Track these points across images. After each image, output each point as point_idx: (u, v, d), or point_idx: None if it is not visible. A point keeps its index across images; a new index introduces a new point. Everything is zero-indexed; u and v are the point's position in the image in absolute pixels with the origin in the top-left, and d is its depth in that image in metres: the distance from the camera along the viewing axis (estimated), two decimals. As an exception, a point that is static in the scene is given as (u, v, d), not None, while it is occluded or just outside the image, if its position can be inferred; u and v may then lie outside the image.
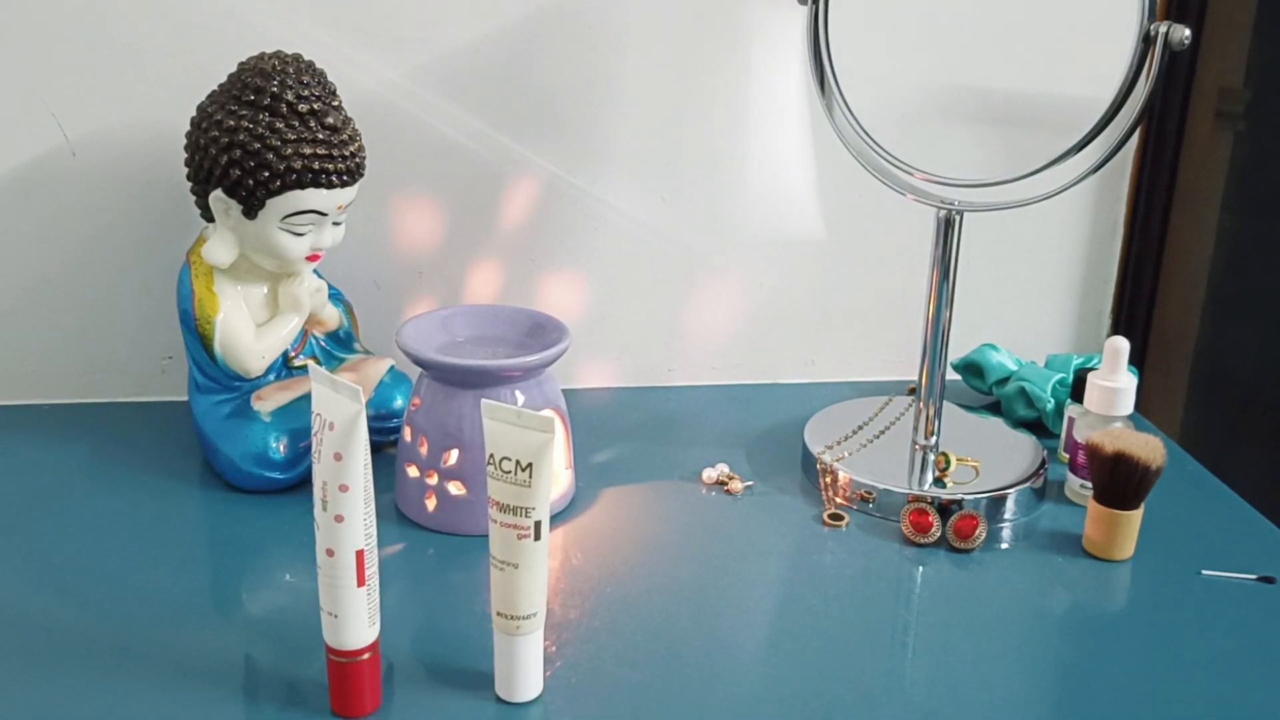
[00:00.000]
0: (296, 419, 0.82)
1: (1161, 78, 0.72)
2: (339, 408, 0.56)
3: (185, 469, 0.85)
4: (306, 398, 0.81)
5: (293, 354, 0.86)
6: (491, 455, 0.59)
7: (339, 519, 0.57)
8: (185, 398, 0.89)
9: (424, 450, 0.77)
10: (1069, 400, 0.89)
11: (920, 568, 0.77)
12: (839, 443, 0.88)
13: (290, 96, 0.76)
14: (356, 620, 0.59)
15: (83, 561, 0.73)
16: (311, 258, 0.81)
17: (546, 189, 0.97)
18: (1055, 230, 1.05)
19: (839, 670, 0.65)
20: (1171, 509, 0.82)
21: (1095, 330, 1.09)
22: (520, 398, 0.77)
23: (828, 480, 0.84)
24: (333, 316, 0.88)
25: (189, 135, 0.79)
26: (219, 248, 0.79)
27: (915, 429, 0.86)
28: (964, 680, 0.65)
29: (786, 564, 0.76)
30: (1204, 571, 0.76)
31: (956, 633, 0.69)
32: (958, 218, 0.81)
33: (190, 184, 0.80)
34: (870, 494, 0.82)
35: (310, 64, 0.79)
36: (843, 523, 0.81)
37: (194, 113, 0.79)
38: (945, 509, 0.79)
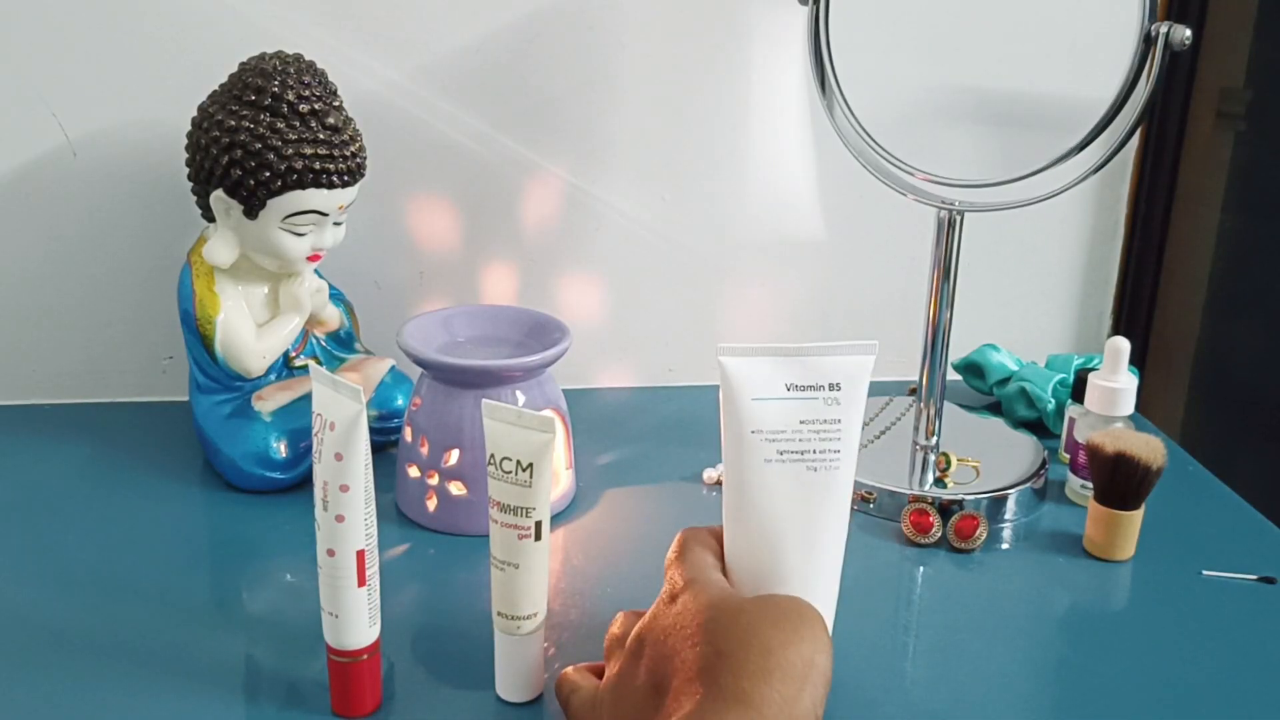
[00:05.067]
0: (297, 419, 0.82)
1: (1162, 78, 0.72)
2: (340, 408, 0.56)
3: (186, 469, 0.85)
4: (307, 398, 0.81)
5: (293, 354, 0.86)
6: (492, 455, 0.59)
7: (340, 519, 0.57)
8: (186, 398, 0.89)
9: (425, 450, 0.77)
10: (1069, 400, 0.89)
11: (921, 568, 0.77)
12: (839, 443, 0.87)
13: (291, 96, 0.76)
14: (357, 620, 0.59)
15: (83, 561, 0.73)
16: (312, 258, 0.81)
17: (547, 189, 0.97)
18: (1056, 230, 1.05)
19: (839, 670, 0.64)
20: (1172, 509, 0.82)
21: (1096, 330, 1.09)
22: (521, 398, 0.77)
23: (828, 480, 0.84)
24: (334, 316, 0.88)
25: (190, 135, 0.79)
26: (220, 248, 0.79)
27: (916, 429, 0.86)
28: (965, 680, 0.65)
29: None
30: (1204, 572, 0.76)
31: (957, 633, 0.69)
32: (958, 218, 0.81)
33: (191, 184, 0.80)
34: (871, 494, 0.82)
35: (311, 64, 0.79)
36: (843, 523, 0.81)
37: (195, 113, 0.79)
38: (946, 509, 0.79)
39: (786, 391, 0.57)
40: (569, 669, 0.59)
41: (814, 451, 0.57)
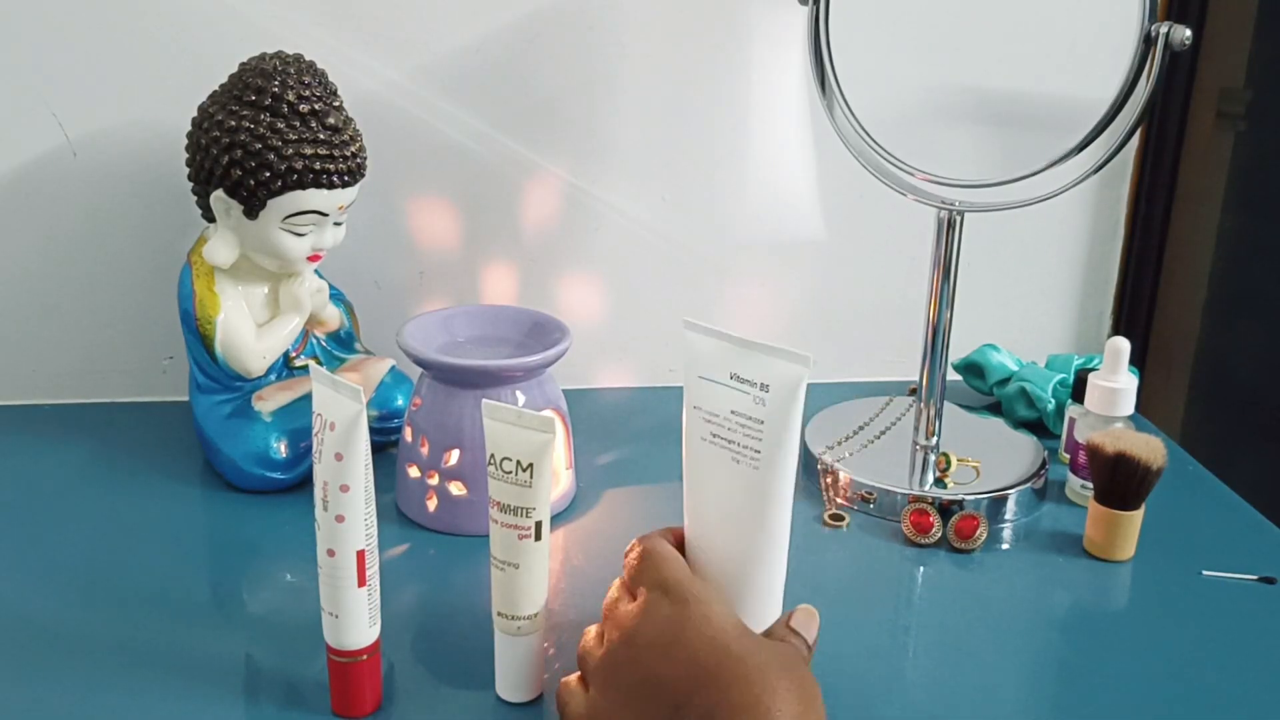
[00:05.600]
0: (297, 419, 0.82)
1: (1162, 78, 0.72)
2: (340, 408, 0.56)
3: (186, 469, 0.85)
4: (307, 398, 0.81)
5: (294, 354, 0.86)
6: (492, 455, 0.59)
7: (340, 519, 0.57)
8: (186, 398, 0.89)
9: (425, 450, 0.77)
10: (1070, 400, 0.89)
11: (921, 568, 0.77)
12: (840, 443, 0.87)
13: (291, 96, 0.76)
14: (357, 620, 0.59)
15: (83, 562, 0.73)
16: (312, 258, 0.81)
17: (547, 189, 0.97)
18: (1056, 230, 1.05)
19: (839, 670, 0.65)
20: (1172, 509, 0.82)
21: (1096, 330, 1.09)
22: (521, 398, 0.77)
23: (828, 480, 0.84)
24: (334, 317, 0.88)
25: (190, 135, 0.79)
26: (220, 248, 0.79)
27: (916, 429, 0.86)
28: (964, 680, 0.65)
29: (787, 564, 0.76)
30: (1204, 572, 0.76)
31: (957, 633, 0.69)
32: (958, 218, 0.81)
33: (191, 184, 0.80)
34: (871, 494, 0.82)
35: (311, 64, 0.79)
36: (843, 523, 0.81)
37: (195, 113, 0.79)
38: (946, 509, 0.79)
39: (728, 379, 0.58)
40: (569, 677, 0.59)
41: (739, 444, 0.58)
